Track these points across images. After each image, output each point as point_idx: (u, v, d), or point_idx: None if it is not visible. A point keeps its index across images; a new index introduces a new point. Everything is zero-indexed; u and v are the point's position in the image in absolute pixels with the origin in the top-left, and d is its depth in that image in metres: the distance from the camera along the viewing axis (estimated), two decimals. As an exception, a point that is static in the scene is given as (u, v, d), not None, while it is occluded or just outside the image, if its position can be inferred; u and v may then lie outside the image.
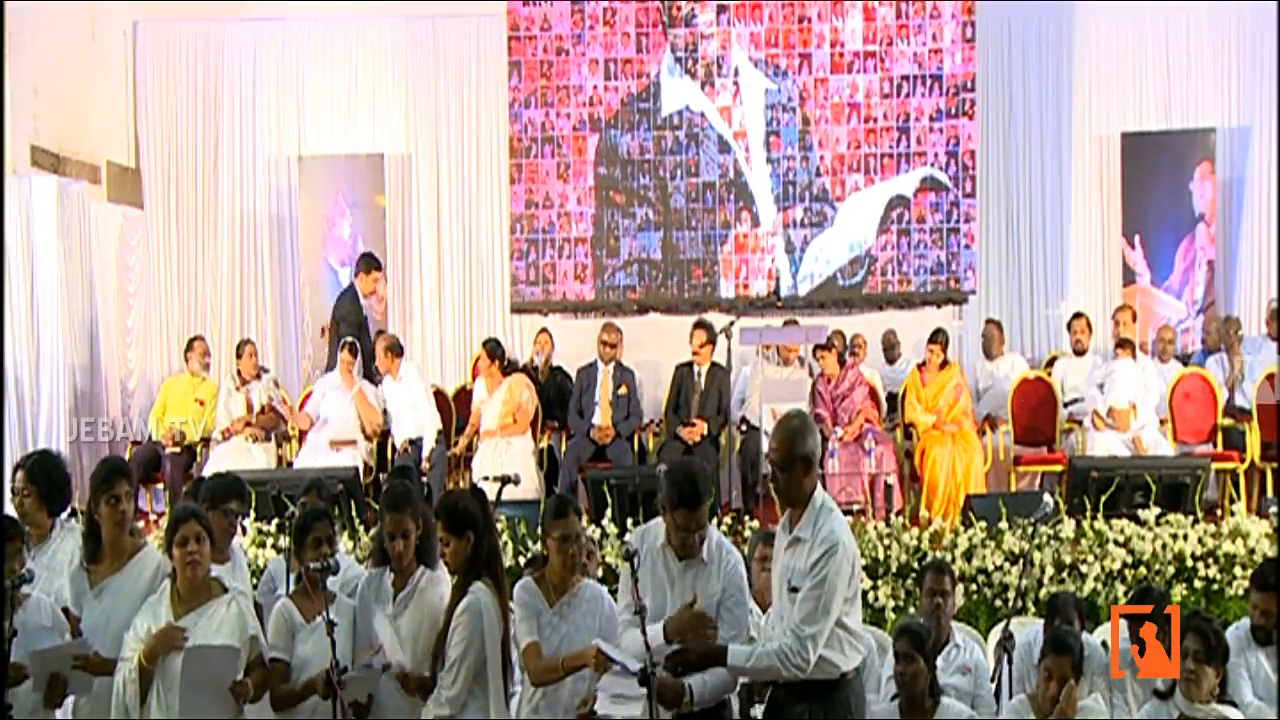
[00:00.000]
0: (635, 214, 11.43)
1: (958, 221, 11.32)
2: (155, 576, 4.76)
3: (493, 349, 9.65)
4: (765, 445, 4.93)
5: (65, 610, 4.75)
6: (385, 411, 9.69)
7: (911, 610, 7.07)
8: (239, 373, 9.85)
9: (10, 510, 5.06)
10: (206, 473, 7.93)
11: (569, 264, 11.44)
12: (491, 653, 4.47)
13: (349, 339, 9.71)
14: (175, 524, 4.65)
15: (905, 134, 11.32)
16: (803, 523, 4.30)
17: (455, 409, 10.16)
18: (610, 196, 11.45)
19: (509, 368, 9.74)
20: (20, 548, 4.66)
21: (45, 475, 5.08)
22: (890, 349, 11.14)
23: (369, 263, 10.24)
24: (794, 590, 4.23)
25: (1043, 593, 7.24)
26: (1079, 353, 10.21)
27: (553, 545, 4.68)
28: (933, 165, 11.32)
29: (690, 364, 9.70)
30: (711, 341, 9.58)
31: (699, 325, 9.77)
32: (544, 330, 10.73)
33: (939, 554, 7.45)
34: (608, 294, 11.41)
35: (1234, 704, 4.86)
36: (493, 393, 9.50)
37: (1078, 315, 10.39)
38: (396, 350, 9.67)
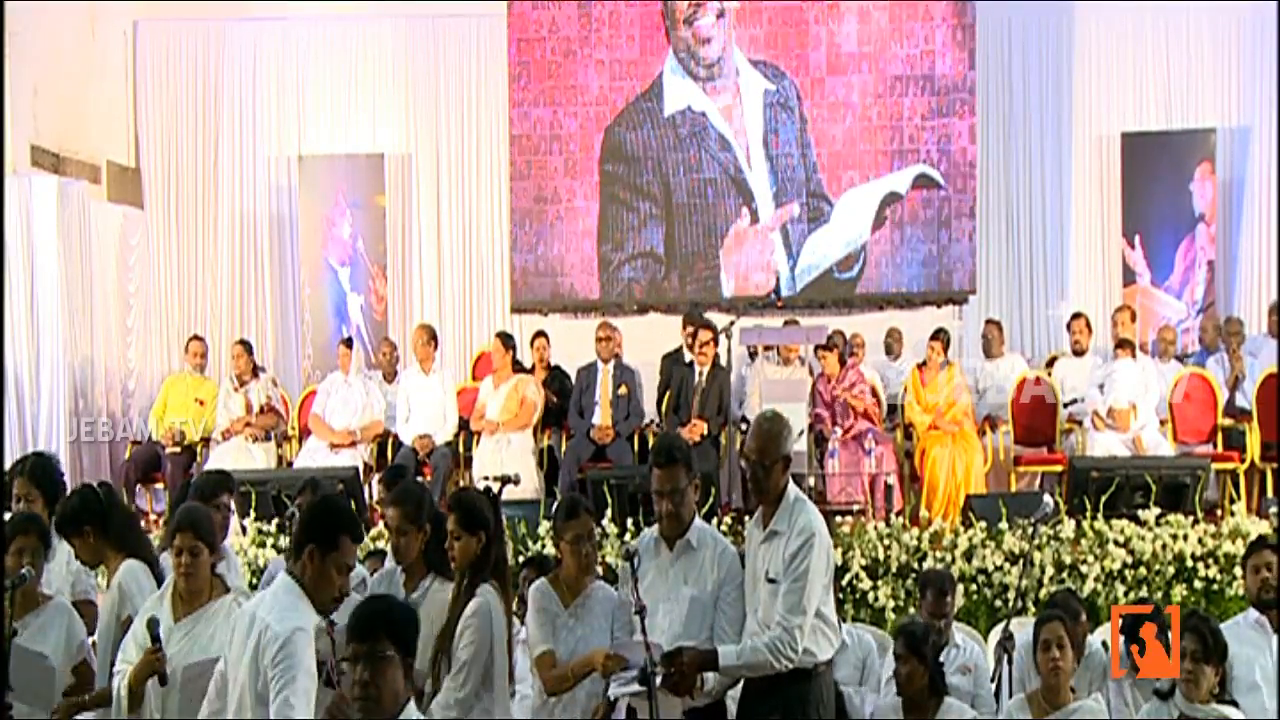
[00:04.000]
0: (639, 209, 11.56)
1: (949, 217, 11.41)
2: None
3: (505, 339, 9.68)
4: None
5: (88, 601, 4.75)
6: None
7: (911, 610, 7.07)
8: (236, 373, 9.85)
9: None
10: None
11: (576, 257, 11.55)
12: (498, 655, 4.46)
13: (347, 336, 9.69)
14: (172, 532, 4.50)
15: (899, 132, 11.44)
16: (778, 517, 4.42)
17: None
18: (615, 192, 11.56)
19: (516, 366, 9.73)
20: (38, 546, 4.60)
21: (49, 478, 5.09)
22: (892, 342, 11.16)
23: None
24: (772, 582, 4.33)
25: (1043, 593, 7.23)
26: (1079, 353, 10.20)
27: (566, 547, 4.68)
28: (925, 162, 11.43)
29: (679, 354, 9.69)
30: (714, 340, 9.56)
31: (704, 325, 9.75)
32: (540, 334, 10.49)
33: (938, 554, 7.46)
34: (613, 286, 11.53)
35: (1234, 703, 4.86)
36: (499, 386, 9.48)
37: (1077, 315, 10.38)
38: (434, 340, 9.73)
